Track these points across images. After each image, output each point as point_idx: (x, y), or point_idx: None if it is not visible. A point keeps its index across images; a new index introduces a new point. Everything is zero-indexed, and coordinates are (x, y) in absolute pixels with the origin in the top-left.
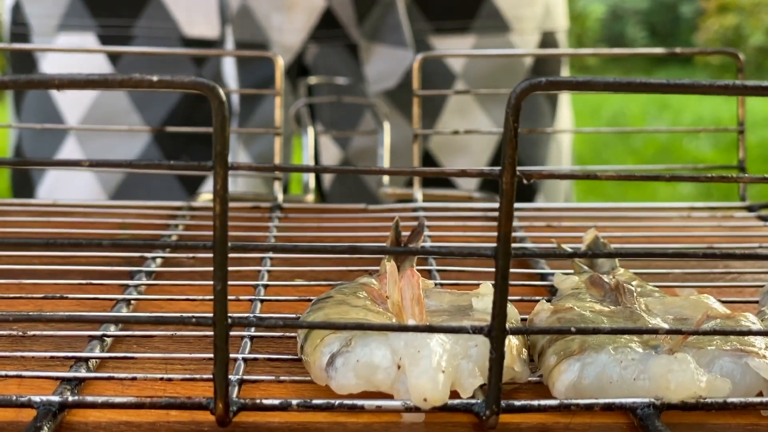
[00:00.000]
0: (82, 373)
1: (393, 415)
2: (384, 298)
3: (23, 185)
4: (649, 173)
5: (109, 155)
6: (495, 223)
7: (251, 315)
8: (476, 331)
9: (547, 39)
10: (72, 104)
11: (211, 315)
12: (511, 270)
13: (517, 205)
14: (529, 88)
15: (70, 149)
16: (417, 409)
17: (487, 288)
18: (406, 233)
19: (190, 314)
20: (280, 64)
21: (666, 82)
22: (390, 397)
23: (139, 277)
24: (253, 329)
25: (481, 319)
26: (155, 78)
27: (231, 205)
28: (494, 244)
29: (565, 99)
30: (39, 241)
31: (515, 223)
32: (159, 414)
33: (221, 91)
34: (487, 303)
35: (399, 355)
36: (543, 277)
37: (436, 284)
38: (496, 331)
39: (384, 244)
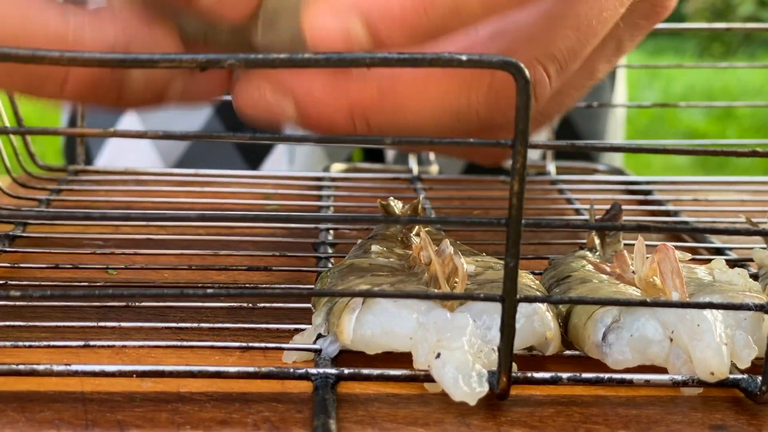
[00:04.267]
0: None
1: (655, 388)
2: (605, 270)
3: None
4: None
5: (170, 127)
6: (640, 196)
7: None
8: (758, 308)
9: None
10: None
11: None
12: (682, 243)
13: (645, 177)
14: None
15: (129, 120)
16: (684, 384)
17: (720, 263)
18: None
19: (478, 292)
20: None
21: None
22: (663, 370)
23: (324, 249)
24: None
25: (733, 291)
26: (464, 57)
27: (369, 176)
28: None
29: (621, 71)
30: (234, 215)
31: (660, 197)
32: (419, 387)
33: (527, 71)
34: (731, 276)
35: (671, 329)
36: (720, 251)
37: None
38: None
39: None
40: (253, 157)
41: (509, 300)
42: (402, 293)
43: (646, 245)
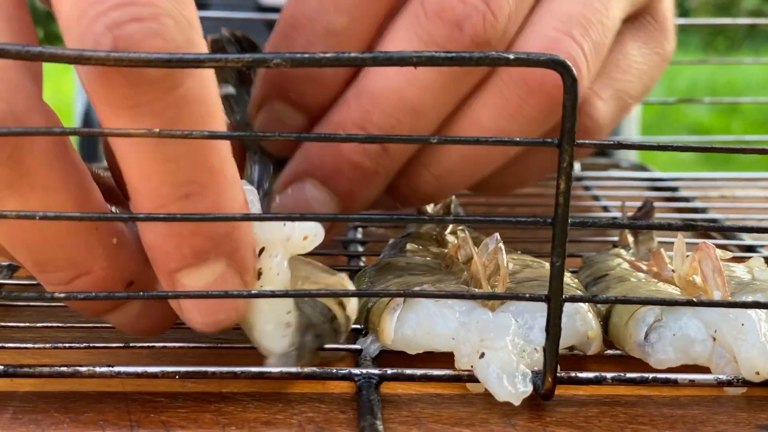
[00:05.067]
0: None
1: (698, 388)
2: (641, 269)
3: (92, 154)
4: None
5: None
6: (666, 193)
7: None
8: None
9: None
10: None
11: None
12: (710, 241)
13: (670, 174)
14: None
15: None
16: (728, 383)
17: (758, 261)
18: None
19: (524, 293)
20: None
21: None
22: (705, 370)
23: (354, 247)
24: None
25: None
26: (512, 56)
27: None
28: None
29: None
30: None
31: (686, 194)
32: (461, 387)
33: (574, 70)
34: None
35: (714, 328)
36: (751, 248)
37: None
38: None
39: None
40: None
41: (555, 300)
42: (446, 293)
43: (660, 242)
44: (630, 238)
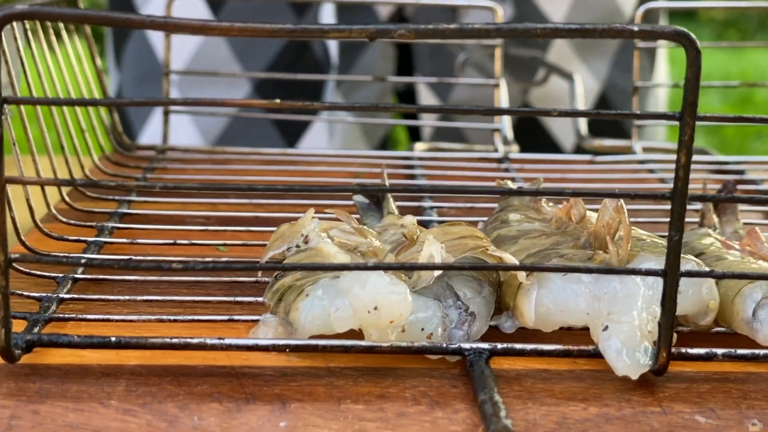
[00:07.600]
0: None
1: None
2: (734, 247)
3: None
4: None
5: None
6: (733, 176)
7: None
8: None
9: None
10: (173, 54)
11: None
12: None
13: (734, 157)
14: None
15: (172, 95)
16: None
17: None
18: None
19: (638, 267)
20: (500, 14)
21: None
22: None
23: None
24: None
25: None
26: (636, 28)
27: (457, 155)
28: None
29: (662, 53)
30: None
31: (753, 176)
32: (569, 362)
33: (698, 43)
34: None
35: None
36: None
37: None
38: None
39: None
40: (291, 134)
41: (672, 274)
42: (565, 267)
43: (744, 223)
44: (715, 218)
